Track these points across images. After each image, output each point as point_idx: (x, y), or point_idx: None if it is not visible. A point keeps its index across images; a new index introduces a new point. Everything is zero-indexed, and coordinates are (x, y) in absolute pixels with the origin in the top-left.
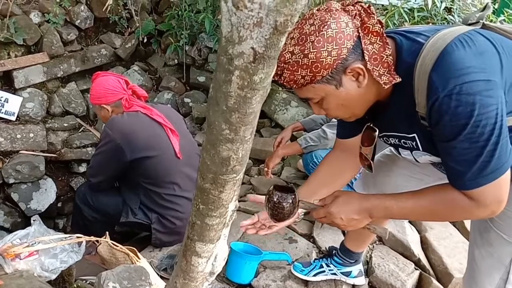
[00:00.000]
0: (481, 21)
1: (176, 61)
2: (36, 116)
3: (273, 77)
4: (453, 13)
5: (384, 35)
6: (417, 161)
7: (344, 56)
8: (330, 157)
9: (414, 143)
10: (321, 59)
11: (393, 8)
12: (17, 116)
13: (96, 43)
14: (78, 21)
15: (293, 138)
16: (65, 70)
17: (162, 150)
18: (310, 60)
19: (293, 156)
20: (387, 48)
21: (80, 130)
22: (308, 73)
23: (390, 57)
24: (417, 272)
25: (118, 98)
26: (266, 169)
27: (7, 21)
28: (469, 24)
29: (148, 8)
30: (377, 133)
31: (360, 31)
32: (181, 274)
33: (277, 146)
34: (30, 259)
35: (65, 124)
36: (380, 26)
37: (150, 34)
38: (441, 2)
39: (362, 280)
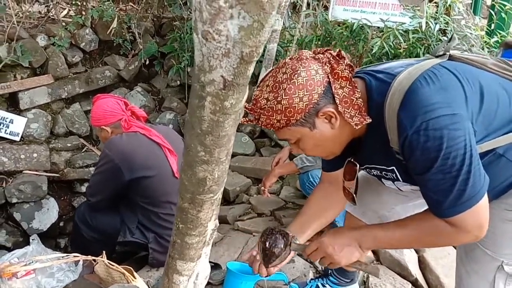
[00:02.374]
0: (447, 53)
1: (178, 82)
2: (40, 137)
3: (252, 121)
4: (448, 35)
5: (353, 80)
6: (400, 189)
7: (316, 100)
8: (319, 189)
9: (394, 175)
10: (293, 105)
11: (388, 30)
12: (21, 137)
13: (100, 65)
14: (83, 43)
15: (292, 157)
16: (69, 92)
17: (160, 170)
18: (284, 106)
19: (292, 176)
20: (356, 92)
21: (83, 150)
22: (282, 117)
23: (360, 99)
24: None
25: (117, 119)
26: (263, 188)
27: (14, 44)
28: (437, 56)
29: (151, 31)
30: (358, 167)
31: (330, 77)
32: None
33: (275, 165)
34: (26, 278)
35: (69, 144)
36: (349, 71)
37: (153, 56)
38: (435, 24)
39: None
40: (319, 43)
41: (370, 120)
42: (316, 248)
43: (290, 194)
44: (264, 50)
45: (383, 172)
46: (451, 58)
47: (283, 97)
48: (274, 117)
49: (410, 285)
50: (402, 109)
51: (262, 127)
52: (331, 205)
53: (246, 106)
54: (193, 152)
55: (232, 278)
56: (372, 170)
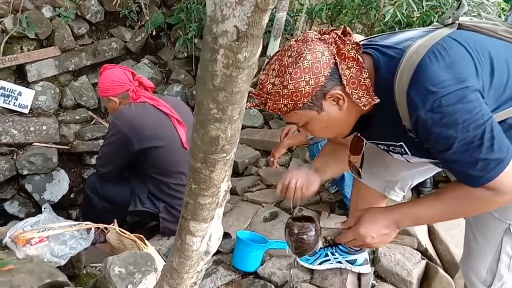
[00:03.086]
0: (456, 21)
1: (185, 54)
2: (48, 109)
3: (259, 106)
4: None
5: (360, 59)
6: (408, 161)
7: (322, 83)
8: (328, 145)
9: (402, 149)
10: (300, 89)
11: None
12: (30, 109)
13: (107, 37)
14: (89, 15)
15: None
16: (77, 64)
17: (169, 140)
18: (290, 91)
19: (301, 148)
20: (363, 72)
21: (92, 123)
22: (289, 102)
23: (368, 79)
24: (424, 262)
25: (125, 89)
26: (272, 159)
27: (20, 15)
28: (446, 25)
29: (158, 1)
30: (365, 142)
31: (336, 58)
32: (176, 253)
33: (284, 136)
34: (40, 245)
35: (77, 117)
36: (356, 50)
37: (160, 27)
38: None
39: (367, 268)
40: (330, 12)
41: (378, 100)
42: (353, 238)
43: (298, 166)
44: (272, 20)
45: (391, 147)
46: (460, 26)
47: (289, 82)
48: (281, 102)
49: (420, 255)
50: (412, 87)
51: (269, 111)
52: (340, 160)
53: (253, 91)
54: (205, 109)
55: (242, 247)
56: (379, 145)
